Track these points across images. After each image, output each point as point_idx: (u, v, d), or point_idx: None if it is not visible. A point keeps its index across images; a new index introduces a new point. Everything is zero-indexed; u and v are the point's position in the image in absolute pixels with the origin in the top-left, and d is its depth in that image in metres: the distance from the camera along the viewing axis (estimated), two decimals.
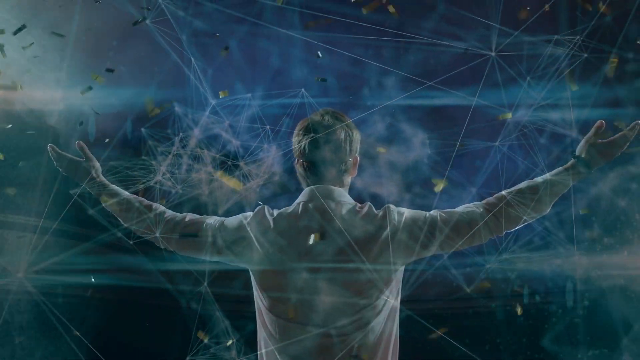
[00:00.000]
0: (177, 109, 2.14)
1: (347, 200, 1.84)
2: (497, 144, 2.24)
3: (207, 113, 2.14)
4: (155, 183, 2.08)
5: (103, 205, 1.92)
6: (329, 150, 1.83)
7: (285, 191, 2.15)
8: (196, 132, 2.18)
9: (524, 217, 1.81)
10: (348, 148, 1.86)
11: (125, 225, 1.91)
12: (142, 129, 2.13)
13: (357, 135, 1.90)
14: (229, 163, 2.21)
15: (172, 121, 2.18)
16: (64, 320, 1.89)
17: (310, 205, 1.81)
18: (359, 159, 1.94)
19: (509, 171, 2.09)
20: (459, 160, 2.23)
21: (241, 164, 2.19)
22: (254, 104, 2.19)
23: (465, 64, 2.14)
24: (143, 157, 2.12)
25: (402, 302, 1.85)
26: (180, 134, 2.16)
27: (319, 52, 2.23)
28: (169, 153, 2.10)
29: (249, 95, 2.21)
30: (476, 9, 2.38)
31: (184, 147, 2.14)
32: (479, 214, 1.79)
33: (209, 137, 2.20)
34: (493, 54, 2.08)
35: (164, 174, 2.06)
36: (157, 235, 1.84)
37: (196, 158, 2.16)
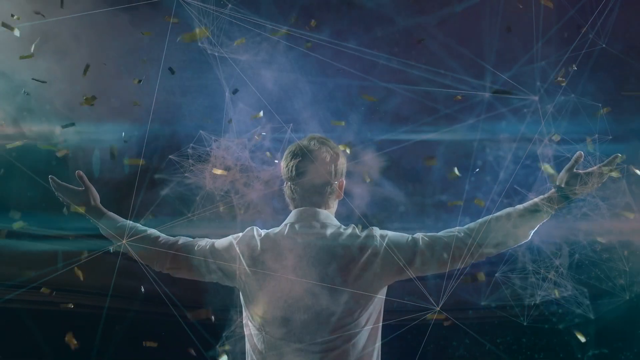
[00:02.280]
0: (215, 139, 2.28)
1: (332, 222, 1.91)
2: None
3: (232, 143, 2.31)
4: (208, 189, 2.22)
5: (101, 231, 2.03)
6: (314, 174, 1.90)
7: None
8: (223, 154, 2.32)
9: (505, 244, 1.87)
10: (333, 172, 1.92)
11: (122, 250, 2.01)
12: (189, 148, 2.26)
13: (342, 160, 1.96)
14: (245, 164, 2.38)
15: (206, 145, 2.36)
16: (154, 277, 2.13)
17: (296, 226, 1.89)
18: (344, 182, 2.00)
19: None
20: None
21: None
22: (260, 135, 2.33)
23: (462, 102, 2.22)
24: (186, 174, 2.23)
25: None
26: (213, 157, 2.30)
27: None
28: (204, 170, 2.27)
29: (258, 128, 2.33)
30: (473, 48, 2.43)
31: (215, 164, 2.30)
32: (460, 239, 1.85)
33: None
34: (487, 95, 2.13)
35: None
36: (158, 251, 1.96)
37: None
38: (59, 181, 2.06)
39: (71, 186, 2.07)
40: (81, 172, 2.05)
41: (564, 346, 3.43)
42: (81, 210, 2.03)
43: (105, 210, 2.06)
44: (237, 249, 1.89)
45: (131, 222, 2.02)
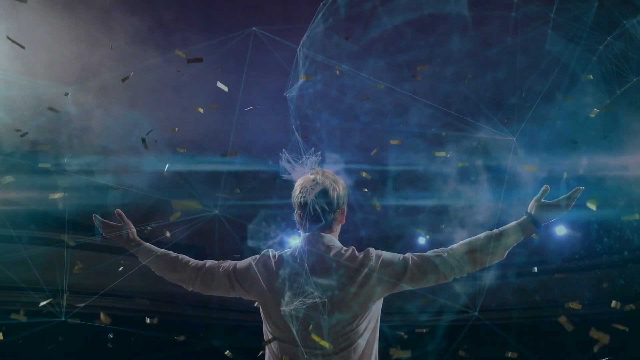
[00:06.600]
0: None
1: (335, 245, 2.22)
2: None
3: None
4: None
5: (140, 260, 2.34)
6: (320, 203, 2.21)
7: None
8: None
9: (483, 263, 2.16)
10: (336, 201, 2.24)
11: (158, 274, 2.34)
12: (283, 150, 2.55)
13: (343, 191, 2.27)
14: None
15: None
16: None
17: (305, 249, 2.20)
18: (346, 209, 2.31)
19: None
20: None
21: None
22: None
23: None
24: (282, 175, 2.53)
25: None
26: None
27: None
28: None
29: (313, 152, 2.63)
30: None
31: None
32: (445, 259, 2.14)
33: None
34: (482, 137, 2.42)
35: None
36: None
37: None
38: (101, 219, 2.39)
39: (112, 222, 2.39)
40: (120, 210, 2.38)
41: (564, 346, 3.64)
42: (121, 242, 2.35)
43: (142, 241, 2.37)
44: (255, 269, 2.21)
45: (164, 250, 2.34)
